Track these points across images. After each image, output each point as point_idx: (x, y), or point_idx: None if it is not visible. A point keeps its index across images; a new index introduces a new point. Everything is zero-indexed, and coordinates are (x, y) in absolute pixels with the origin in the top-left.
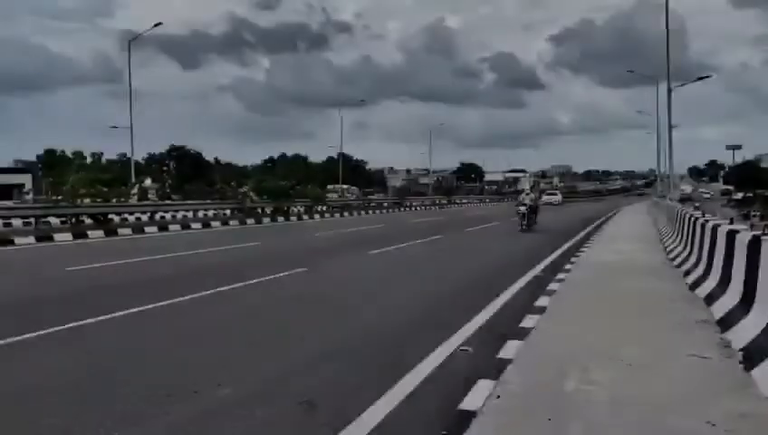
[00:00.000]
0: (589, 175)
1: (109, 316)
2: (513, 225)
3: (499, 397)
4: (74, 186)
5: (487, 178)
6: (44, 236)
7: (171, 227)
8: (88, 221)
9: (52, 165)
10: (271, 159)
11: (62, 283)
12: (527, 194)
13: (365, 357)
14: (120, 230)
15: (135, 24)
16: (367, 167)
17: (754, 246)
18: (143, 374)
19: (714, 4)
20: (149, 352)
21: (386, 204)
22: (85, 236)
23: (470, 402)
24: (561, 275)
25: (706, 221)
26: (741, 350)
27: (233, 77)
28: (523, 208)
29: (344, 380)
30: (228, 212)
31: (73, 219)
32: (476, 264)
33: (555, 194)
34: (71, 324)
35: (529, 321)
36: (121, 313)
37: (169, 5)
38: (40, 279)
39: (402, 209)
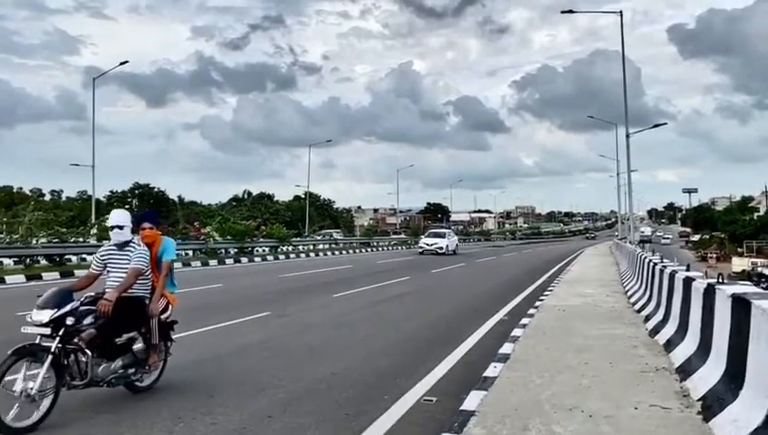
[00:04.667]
0: (552, 216)
1: None
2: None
3: None
4: (30, 225)
5: (453, 217)
6: None
7: None
8: (43, 262)
9: (8, 203)
10: (236, 198)
11: (10, 328)
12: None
13: (335, 399)
14: (76, 272)
15: (101, 62)
16: (334, 206)
17: (709, 294)
18: (97, 429)
19: (665, 54)
20: (103, 407)
21: (354, 244)
22: (39, 278)
23: None
24: (524, 320)
25: (664, 267)
26: (699, 400)
27: (199, 116)
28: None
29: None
30: (190, 253)
31: (28, 260)
32: (440, 310)
33: (442, 236)
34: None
35: (493, 370)
36: None
37: (137, 45)
38: None
39: (370, 249)
